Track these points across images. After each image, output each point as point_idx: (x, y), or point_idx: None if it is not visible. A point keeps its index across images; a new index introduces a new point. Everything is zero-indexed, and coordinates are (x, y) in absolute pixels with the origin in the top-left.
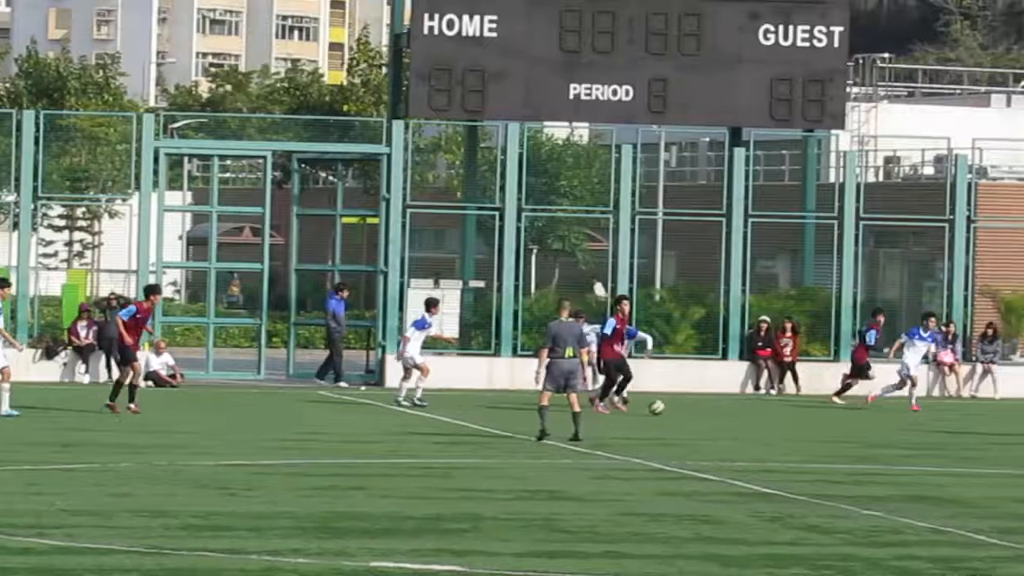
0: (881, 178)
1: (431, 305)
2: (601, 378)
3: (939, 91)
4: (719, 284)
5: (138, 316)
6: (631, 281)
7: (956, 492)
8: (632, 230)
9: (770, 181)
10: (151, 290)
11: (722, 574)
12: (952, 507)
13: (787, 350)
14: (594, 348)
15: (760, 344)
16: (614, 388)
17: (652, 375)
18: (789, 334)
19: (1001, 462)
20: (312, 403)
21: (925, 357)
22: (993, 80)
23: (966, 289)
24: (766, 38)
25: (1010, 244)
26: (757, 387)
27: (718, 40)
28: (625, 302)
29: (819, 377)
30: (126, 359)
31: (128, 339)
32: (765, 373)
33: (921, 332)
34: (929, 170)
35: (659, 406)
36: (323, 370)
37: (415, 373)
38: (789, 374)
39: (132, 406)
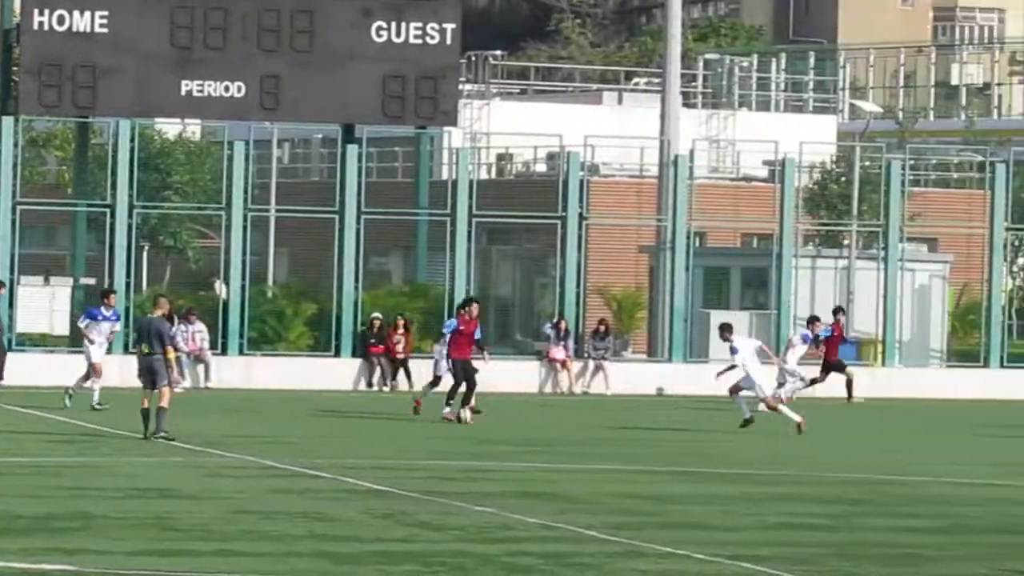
0: (494, 175)
1: (105, 295)
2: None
3: (551, 89)
4: (332, 281)
5: None
6: (243, 278)
7: (566, 488)
8: (244, 227)
9: (383, 178)
10: None
11: (335, 571)
12: (562, 503)
13: (400, 347)
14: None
15: (373, 341)
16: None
17: (264, 374)
18: (402, 331)
19: (610, 458)
20: None
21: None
22: (604, 78)
23: (578, 286)
24: (378, 35)
25: (621, 241)
26: (370, 384)
27: (330, 37)
28: (474, 305)
29: (432, 374)
30: None
31: None
32: (378, 370)
33: (808, 334)
34: (541, 167)
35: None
36: None
37: (99, 369)
38: (402, 371)
39: None
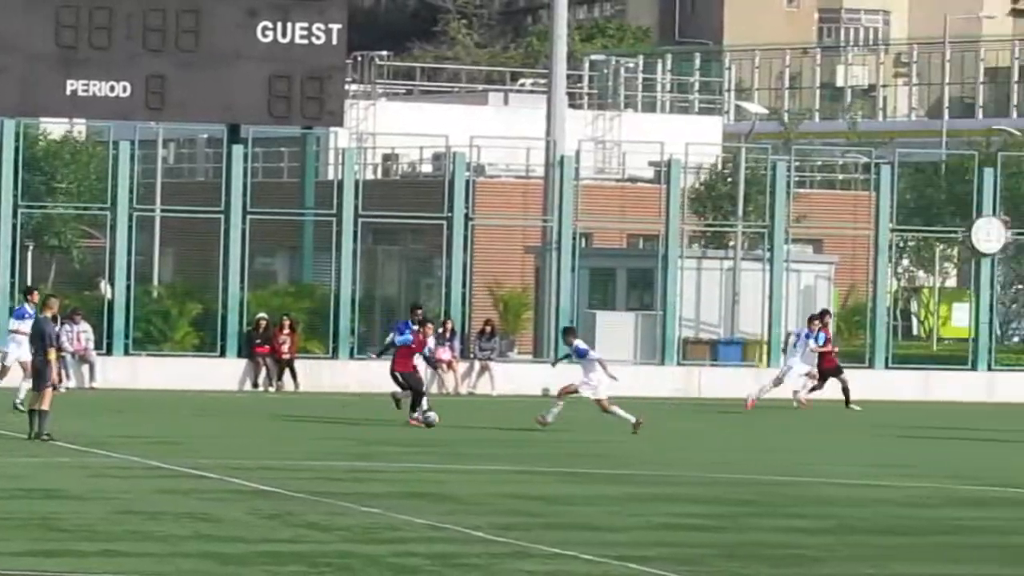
0: (380, 176)
1: (28, 292)
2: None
3: (437, 89)
4: (217, 281)
5: None
6: (128, 278)
7: (453, 488)
8: (130, 227)
9: (269, 178)
10: None
11: (221, 572)
12: (449, 503)
13: (285, 347)
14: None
15: (258, 341)
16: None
17: (149, 374)
18: (287, 331)
19: (497, 459)
20: None
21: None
22: (490, 78)
23: (464, 286)
24: (264, 35)
25: (507, 241)
26: (256, 384)
27: (216, 37)
28: (430, 325)
29: (317, 375)
30: None
31: None
32: (263, 370)
33: (807, 332)
34: (427, 168)
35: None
36: None
37: (23, 370)
38: (288, 371)
39: None
